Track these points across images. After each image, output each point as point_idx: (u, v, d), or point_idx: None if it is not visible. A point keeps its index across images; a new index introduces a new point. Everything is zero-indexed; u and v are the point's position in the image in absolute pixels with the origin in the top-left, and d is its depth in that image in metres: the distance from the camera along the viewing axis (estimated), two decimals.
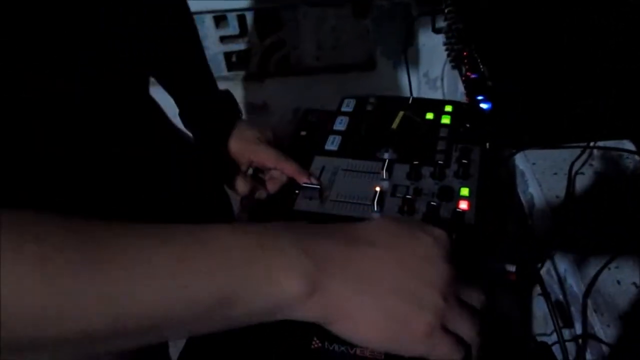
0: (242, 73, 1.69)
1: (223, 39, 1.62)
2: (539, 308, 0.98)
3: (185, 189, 0.61)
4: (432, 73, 1.57)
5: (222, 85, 1.82)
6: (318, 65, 1.67)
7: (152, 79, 0.70)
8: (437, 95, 1.59)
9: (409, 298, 0.35)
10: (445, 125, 0.69)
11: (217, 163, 0.69)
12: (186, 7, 0.68)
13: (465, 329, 0.37)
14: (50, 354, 0.29)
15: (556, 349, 0.85)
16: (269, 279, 0.31)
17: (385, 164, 0.62)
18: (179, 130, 0.68)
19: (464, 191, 0.60)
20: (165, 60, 0.67)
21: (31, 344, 0.27)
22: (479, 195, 0.60)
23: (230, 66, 1.68)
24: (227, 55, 1.67)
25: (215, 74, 1.78)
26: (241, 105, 1.85)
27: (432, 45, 1.50)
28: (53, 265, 0.27)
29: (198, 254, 0.30)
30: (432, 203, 0.56)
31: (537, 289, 0.99)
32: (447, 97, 1.54)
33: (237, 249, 0.32)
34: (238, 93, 1.67)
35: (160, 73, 0.69)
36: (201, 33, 1.64)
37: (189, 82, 0.70)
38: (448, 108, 0.72)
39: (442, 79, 1.56)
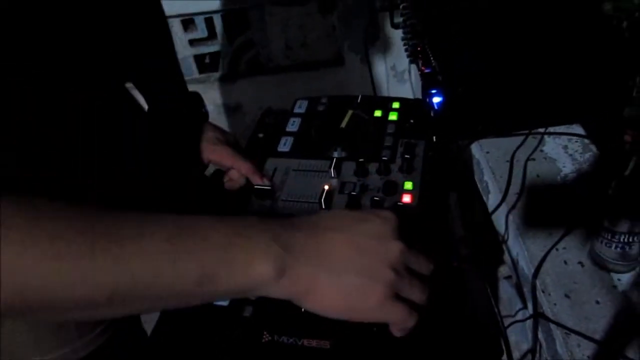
0: (213, 75, 1.70)
1: (192, 42, 1.63)
2: (504, 291, 1.02)
3: (136, 201, 0.64)
4: (399, 66, 1.60)
5: (194, 88, 1.82)
6: (288, 64, 1.69)
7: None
8: (405, 87, 1.62)
9: (362, 273, 0.40)
10: (392, 121, 0.72)
11: (180, 162, 0.72)
12: (160, 9, 0.70)
13: (417, 295, 0.42)
14: (61, 317, 0.36)
15: (516, 327, 0.88)
16: (244, 261, 0.37)
17: (333, 163, 0.65)
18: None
19: (408, 185, 0.63)
20: (137, 59, 0.69)
21: (42, 309, 0.33)
22: (422, 187, 0.63)
23: (202, 68, 1.70)
24: (198, 58, 1.68)
25: (187, 77, 1.79)
26: (215, 107, 1.87)
27: (397, 39, 1.52)
28: (64, 243, 0.32)
29: (186, 237, 0.35)
30: (375, 198, 0.59)
31: (502, 273, 1.03)
32: (415, 89, 1.58)
33: (218, 235, 0.37)
34: (211, 95, 1.69)
35: (132, 72, 0.71)
36: None
37: (158, 83, 0.73)
38: (395, 104, 0.74)
39: (409, 72, 1.59)
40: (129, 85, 0.71)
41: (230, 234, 0.37)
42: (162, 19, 0.71)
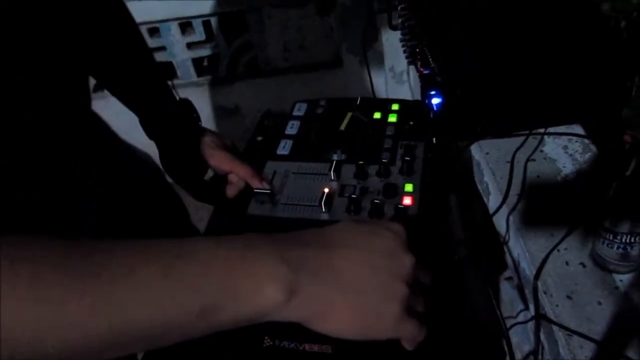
0: (212, 78, 1.70)
1: (190, 46, 1.63)
2: (505, 292, 1.01)
3: (100, 211, 0.62)
4: (397, 67, 1.59)
5: (192, 91, 1.83)
6: (286, 66, 1.69)
7: (103, 93, 0.72)
8: (404, 88, 1.62)
9: (378, 291, 0.39)
10: (391, 123, 0.72)
11: (178, 170, 0.71)
12: (129, 17, 0.69)
13: (421, 306, 0.42)
14: None
15: (518, 329, 0.88)
16: (251, 287, 0.34)
17: (333, 165, 0.64)
18: (125, 144, 0.69)
19: (408, 187, 0.62)
20: (113, 72, 0.68)
21: (34, 358, 0.30)
22: (422, 190, 0.63)
23: (200, 71, 1.70)
24: (196, 61, 1.68)
25: (185, 80, 1.79)
26: (213, 110, 1.87)
27: (395, 40, 1.52)
28: (46, 286, 0.29)
29: (182, 267, 0.33)
30: (376, 201, 0.59)
31: (503, 274, 1.03)
32: (414, 90, 1.57)
33: (219, 260, 0.34)
34: (209, 98, 1.69)
35: (112, 87, 0.70)
36: (168, 41, 1.66)
37: (143, 94, 0.71)
38: (395, 106, 0.74)
39: (407, 73, 1.58)
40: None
41: (233, 258, 0.35)
42: (133, 28, 0.69)
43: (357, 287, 0.38)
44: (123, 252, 0.33)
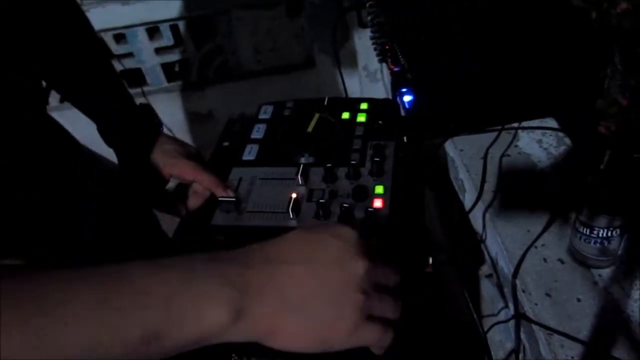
0: (183, 83, 1.67)
1: (159, 51, 1.59)
2: (486, 290, 1.00)
3: (100, 211, 0.60)
4: (371, 66, 1.58)
5: (163, 98, 1.78)
6: (258, 69, 1.66)
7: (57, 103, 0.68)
8: (379, 87, 1.60)
9: (329, 304, 0.37)
10: (360, 123, 0.69)
11: (138, 179, 0.68)
12: (86, 23, 0.66)
13: (389, 311, 0.40)
14: None
15: (500, 326, 0.87)
16: (193, 311, 0.33)
17: (300, 169, 0.62)
18: (86, 149, 0.66)
19: (379, 189, 0.60)
20: (70, 78, 0.65)
21: None
22: (393, 191, 0.60)
23: (170, 77, 1.66)
24: (166, 67, 1.64)
25: (155, 86, 1.75)
26: (185, 116, 1.82)
27: (368, 39, 1.50)
28: None
29: (120, 293, 0.31)
30: (345, 205, 0.57)
31: (484, 271, 1.01)
32: (388, 88, 1.56)
33: (159, 284, 0.33)
34: (181, 104, 1.65)
35: (69, 93, 0.67)
36: (135, 47, 1.62)
37: (100, 100, 0.68)
38: (363, 106, 0.72)
39: (381, 71, 1.57)
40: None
41: (173, 280, 0.33)
42: (88, 31, 0.66)
43: (306, 303, 0.36)
44: (59, 281, 0.30)
